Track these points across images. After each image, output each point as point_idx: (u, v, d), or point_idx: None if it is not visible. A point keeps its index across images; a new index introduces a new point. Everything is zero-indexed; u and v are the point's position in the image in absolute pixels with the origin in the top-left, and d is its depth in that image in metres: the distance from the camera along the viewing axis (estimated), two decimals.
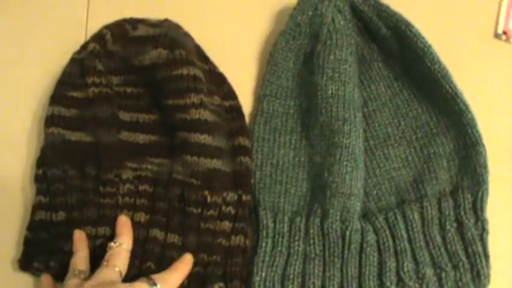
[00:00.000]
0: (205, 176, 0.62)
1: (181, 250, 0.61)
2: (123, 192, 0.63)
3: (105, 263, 0.57)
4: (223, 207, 0.62)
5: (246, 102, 0.69)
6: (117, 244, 0.59)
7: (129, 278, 0.59)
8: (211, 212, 0.62)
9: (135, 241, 0.61)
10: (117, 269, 0.57)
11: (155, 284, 0.56)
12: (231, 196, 0.62)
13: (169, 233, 0.61)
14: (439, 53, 0.66)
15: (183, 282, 0.60)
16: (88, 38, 0.70)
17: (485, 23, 0.73)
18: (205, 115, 0.63)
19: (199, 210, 0.62)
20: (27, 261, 0.61)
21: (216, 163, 0.62)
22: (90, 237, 0.61)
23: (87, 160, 0.64)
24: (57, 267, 0.60)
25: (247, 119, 0.68)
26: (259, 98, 0.68)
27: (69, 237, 0.61)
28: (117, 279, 0.57)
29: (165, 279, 0.57)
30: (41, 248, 0.61)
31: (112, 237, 0.61)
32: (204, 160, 0.62)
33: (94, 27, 0.70)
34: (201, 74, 0.65)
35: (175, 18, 0.69)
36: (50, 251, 0.61)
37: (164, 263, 0.60)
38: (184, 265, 0.60)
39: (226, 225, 0.62)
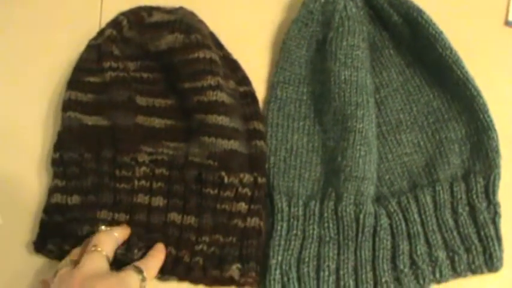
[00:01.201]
0: (222, 156, 0.62)
1: (197, 231, 0.61)
2: (139, 175, 0.63)
3: (92, 248, 0.57)
4: (240, 189, 0.62)
5: (260, 89, 0.70)
6: (108, 229, 0.60)
7: None
8: (227, 193, 0.62)
9: (155, 227, 0.62)
10: (104, 253, 0.57)
11: (142, 271, 0.56)
12: (247, 178, 0.63)
13: (186, 215, 0.62)
14: (449, 40, 0.67)
15: (199, 261, 0.60)
16: (102, 26, 0.70)
17: (496, 11, 0.74)
18: (222, 97, 0.63)
19: (216, 191, 0.62)
20: (42, 244, 0.62)
21: (233, 144, 0.63)
22: (107, 222, 0.61)
23: (103, 143, 0.64)
24: (71, 251, 0.60)
25: (261, 105, 0.69)
26: (272, 84, 0.69)
27: (83, 222, 0.61)
28: (106, 267, 0.56)
29: (147, 266, 0.58)
30: (56, 231, 0.62)
31: (128, 223, 0.62)
32: (222, 141, 0.62)
33: (108, 15, 0.71)
34: (217, 58, 0.66)
35: (188, 6, 0.70)
36: (64, 235, 0.61)
37: (181, 246, 0.61)
38: (159, 253, 0.60)
39: (243, 206, 0.62)
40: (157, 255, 0.60)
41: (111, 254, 0.58)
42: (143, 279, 0.56)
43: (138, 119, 0.66)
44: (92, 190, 0.63)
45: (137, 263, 0.58)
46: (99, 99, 0.66)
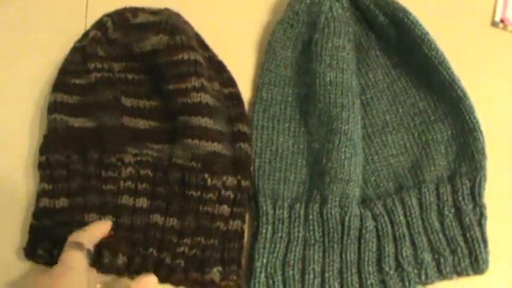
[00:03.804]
0: (205, 159, 0.62)
1: (179, 233, 0.61)
2: (125, 176, 0.63)
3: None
4: (223, 191, 0.62)
5: (245, 90, 0.69)
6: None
7: (134, 266, 0.59)
8: (210, 195, 0.62)
9: (137, 228, 0.61)
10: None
11: (81, 244, 0.56)
12: (230, 180, 0.62)
13: (168, 217, 0.62)
14: (436, 41, 0.67)
15: (180, 264, 0.60)
16: (87, 27, 0.70)
17: (482, 11, 0.73)
18: (206, 99, 0.63)
19: (199, 193, 0.62)
20: (32, 250, 0.61)
21: (216, 146, 0.62)
22: None
23: (90, 145, 0.64)
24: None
25: (246, 107, 0.68)
26: (258, 86, 0.69)
27: (72, 225, 0.60)
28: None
29: (88, 235, 0.57)
30: (46, 236, 0.61)
31: (116, 225, 0.61)
32: (205, 143, 0.62)
33: (93, 17, 0.70)
34: (202, 59, 0.65)
35: (174, 7, 0.70)
36: (53, 239, 0.61)
37: (163, 248, 0.60)
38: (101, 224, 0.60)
39: (225, 209, 0.62)
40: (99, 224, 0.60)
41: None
42: (89, 252, 0.56)
43: (124, 119, 0.65)
44: (79, 192, 0.63)
45: (73, 237, 0.56)
46: (84, 100, 0.66)
